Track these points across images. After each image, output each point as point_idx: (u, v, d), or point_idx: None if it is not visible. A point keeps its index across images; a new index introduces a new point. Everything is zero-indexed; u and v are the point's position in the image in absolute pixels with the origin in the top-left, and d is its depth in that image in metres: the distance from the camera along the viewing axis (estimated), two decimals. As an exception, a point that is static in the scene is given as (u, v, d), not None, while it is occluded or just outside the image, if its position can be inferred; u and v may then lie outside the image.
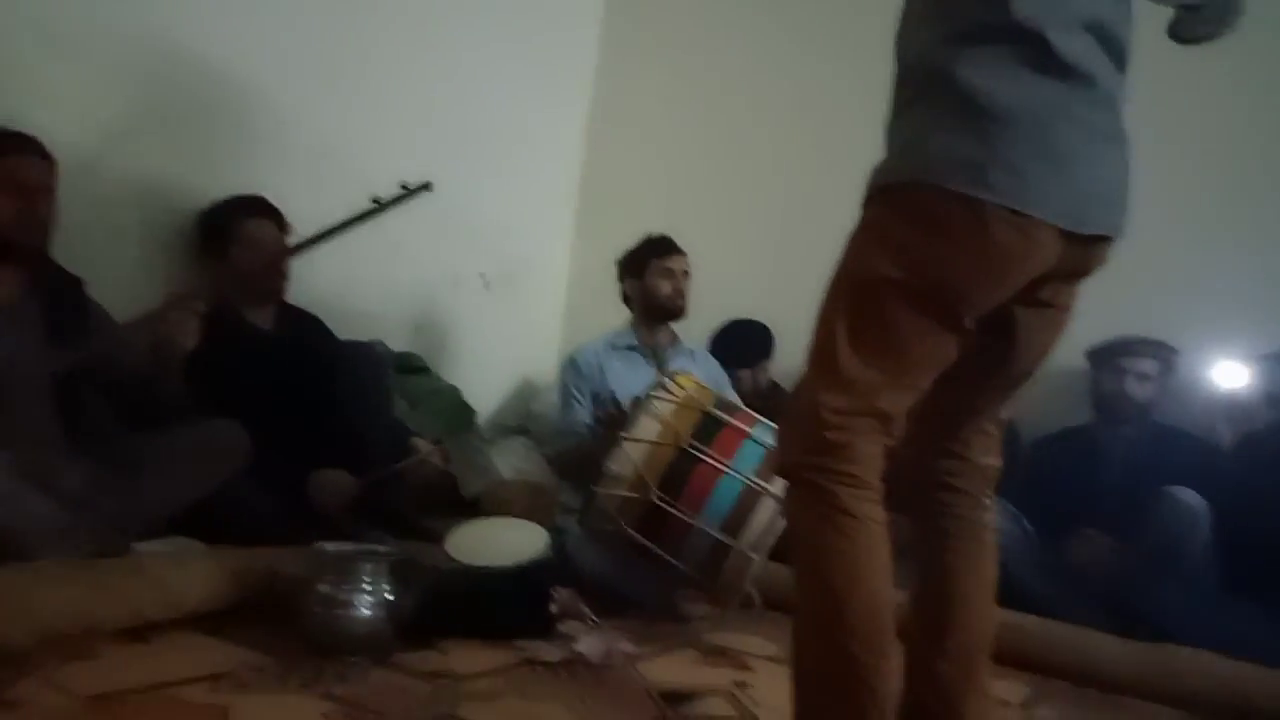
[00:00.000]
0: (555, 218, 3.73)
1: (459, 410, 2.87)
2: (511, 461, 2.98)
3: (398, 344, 2.93)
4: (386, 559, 1.64)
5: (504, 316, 3.38)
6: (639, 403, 1.99)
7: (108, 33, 2.18)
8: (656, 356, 2.52)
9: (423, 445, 2.35)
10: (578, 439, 2.42)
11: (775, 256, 3.24)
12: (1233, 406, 2.40)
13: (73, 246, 1.93)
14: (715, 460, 1.91)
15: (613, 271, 2.65)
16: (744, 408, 2.10)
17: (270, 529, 1.91)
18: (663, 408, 1.97)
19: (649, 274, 2.52)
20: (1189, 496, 2.11)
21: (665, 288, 2.51)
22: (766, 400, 2.94)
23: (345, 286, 2.70)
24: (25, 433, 1.76)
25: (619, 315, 2.69)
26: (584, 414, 2.45)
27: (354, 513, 2.14)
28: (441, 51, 3.07)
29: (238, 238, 2.26)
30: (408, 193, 2.38)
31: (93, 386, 1.94)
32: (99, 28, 2.16)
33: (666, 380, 2.03)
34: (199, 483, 1.88)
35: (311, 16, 2.62)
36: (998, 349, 1.17)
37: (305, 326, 2.40)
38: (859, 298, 1.10)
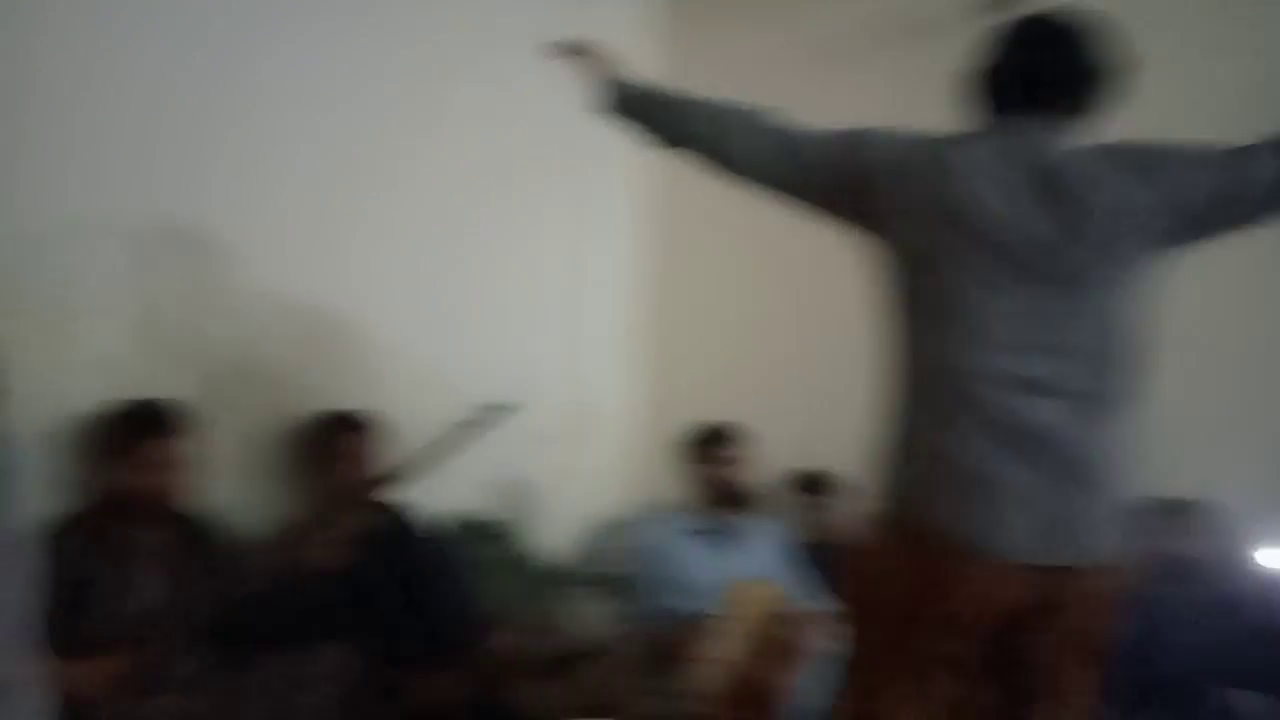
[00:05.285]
0: (627, 358, 3.90)
1: (538, 577, 3.04)
2: (584, 617, 3.16)
3: (475, 504, 3.13)
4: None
5: (575, 462, 3.55)
6: (706, 622, 2.13)
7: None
8: (722, 536, 2.65)
9: None
10: (641, 624, 2.56)
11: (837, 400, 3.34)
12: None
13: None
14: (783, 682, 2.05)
15: (680, 406, 2.75)
16: (809, 614, 2.21)
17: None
18: (729, 626, 2.11)
19: (710, 464, 2.65)
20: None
21: (727, 477, 2.63)
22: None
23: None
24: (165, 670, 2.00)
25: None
26: (646, 600, 2.59)
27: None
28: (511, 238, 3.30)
29: (341, 453, 2.40)
30: (496, 412, 2.46)
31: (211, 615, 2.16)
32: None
33: (732, 596, 2.17)
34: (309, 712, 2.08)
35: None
36: None
37: (392, 522, 2.56)
38: None
